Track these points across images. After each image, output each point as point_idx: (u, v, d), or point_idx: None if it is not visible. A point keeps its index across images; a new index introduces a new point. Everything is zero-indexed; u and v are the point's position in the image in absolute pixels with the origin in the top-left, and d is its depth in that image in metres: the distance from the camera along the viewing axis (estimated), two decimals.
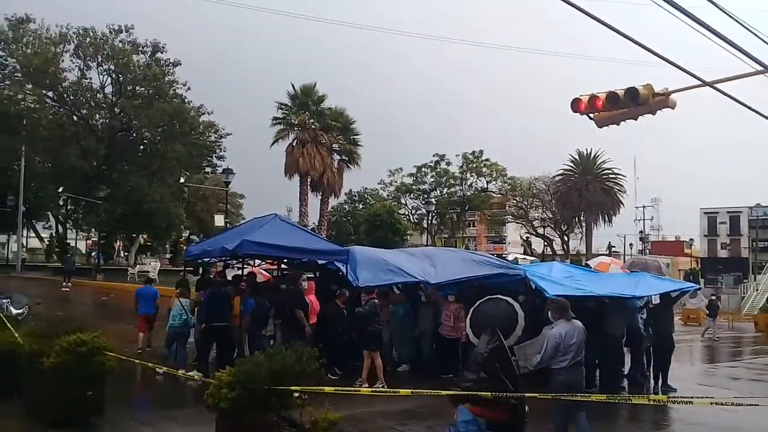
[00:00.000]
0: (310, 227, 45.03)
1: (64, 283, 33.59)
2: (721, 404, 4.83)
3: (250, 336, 11.59)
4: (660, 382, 11.89)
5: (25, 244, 58.67)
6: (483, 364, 5.57)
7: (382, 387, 10.12)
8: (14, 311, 12.65)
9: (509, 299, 11.37)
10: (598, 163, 58.32)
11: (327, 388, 5.65)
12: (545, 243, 64.30)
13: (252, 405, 5.61)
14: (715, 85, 9.04)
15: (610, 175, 58.19)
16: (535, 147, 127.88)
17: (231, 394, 5.67)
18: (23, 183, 40.25)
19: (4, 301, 13.32)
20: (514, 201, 64.06)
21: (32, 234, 62.51)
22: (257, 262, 15.30)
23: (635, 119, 10.40)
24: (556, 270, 12.90)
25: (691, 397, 10.20)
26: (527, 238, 67.29)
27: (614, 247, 66.26)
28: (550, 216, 62.18)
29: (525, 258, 34.71)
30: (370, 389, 6.17)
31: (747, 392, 12.21)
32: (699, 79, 8.79)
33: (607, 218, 57.62)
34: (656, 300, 12.49)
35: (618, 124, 10.67)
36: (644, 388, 12.20)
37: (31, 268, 50.34)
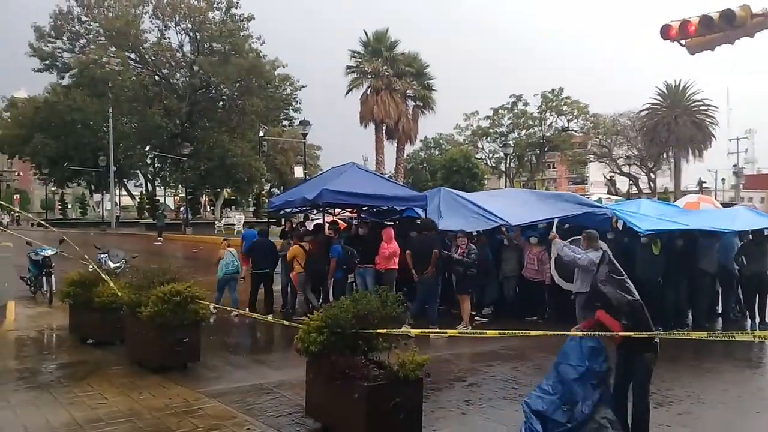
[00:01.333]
0: (386, 175, 45.16)
1: (158, 238, 35.25)
2: None
3: (336, 281, 11.81)
4: (758, 320, 11.33)
5: (118, 202, 61.77)
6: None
7: (467, 329, 10.15)
8: (112, 265, 13.32)
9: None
10: (687, 94, 55.16)
11: (413, 331, 5.67)
12: (630, 182, 61.94)
13: (340, 348, 5.71)
14: None
15: (701, 107, 55.01)
16: (621, 80, 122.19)
17: (320, 338, 5.78)
18: (112, 144, 42.22)
19: (103, 255, 14.05)
20: (597, 139, 61.75)
21: (124, 192, 65.72)
22: (337, 210, 15.43)
23: (732, 43, 9.62)
24: (645, 206, 12.34)
25: None
26: (611, 177, 64.96)
27: (705, 182, 63.10)
28: (636, 153, 59.68)
29: (609, 198, 33.44)
30: (456, 331, 6.14)
31: None
32: None
33: (697, 153, 54.80)
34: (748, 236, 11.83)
35: (713, 50, 9.90)
36: (739, 325, 11.68)
37: (125, 225, 53.19)
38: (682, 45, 9.94)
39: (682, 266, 11.23)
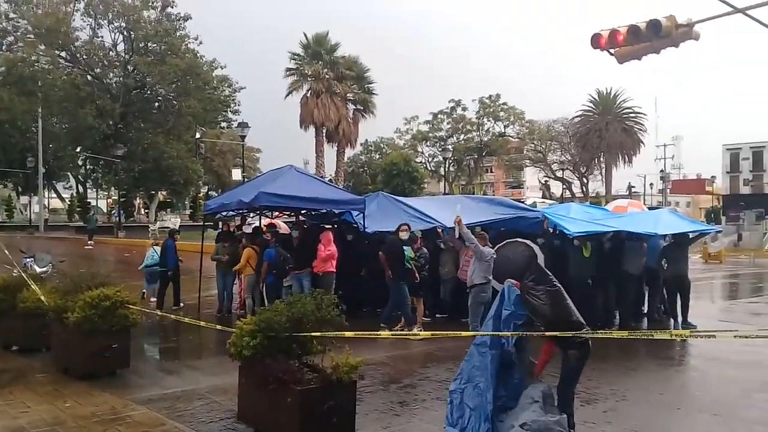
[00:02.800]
0: (327, 178, 45.05)
1: (88, 242, 34.14)
2: (745, 337, 4.77)
3: (267, 285, 11.71)
4: (680, 320, 11.85)
5: (47, 205, 59.51)
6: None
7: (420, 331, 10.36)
8: (38, 269, 12.85)
9: (527, 242, 11.40)
10: (618, 102, 57.24)
11: (347, 334, 5.68)
12: (564, 186, 63.80)
13: (274, 352, 5.67)
14: (748, 12, 8.65)
15: (631, 115, 57.21)
16: (554, 88, 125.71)
17: (253, 341, 5.72)
18: (41, 144, 40.68)
19: (28, 260, 13.53)
20: (532, 144, 63.38)
21: (53, 195, 63.31)
22: (275, 214, 15.30)
23: (657, 53, 10.06)
24: (575, 210, 12.79)
25: (714, 331, 10.23)
26: (546, 181, 66.74)
27: (634, 187, 65.51)
28: (569, 158, 61.51)
29: (543, 201, 34.33)
30: (389, 333, 6.19)
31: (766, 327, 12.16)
32: (731, 5, 8.40)
33: (627, 158, 56.96)
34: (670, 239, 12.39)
35: (640, 59, 10.34)
36: (664, 325, 12.19)
37: (54, 228, 51.21)
38: (611, 54, 10.33)
39: (611, 268, 11.65)
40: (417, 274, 11.15)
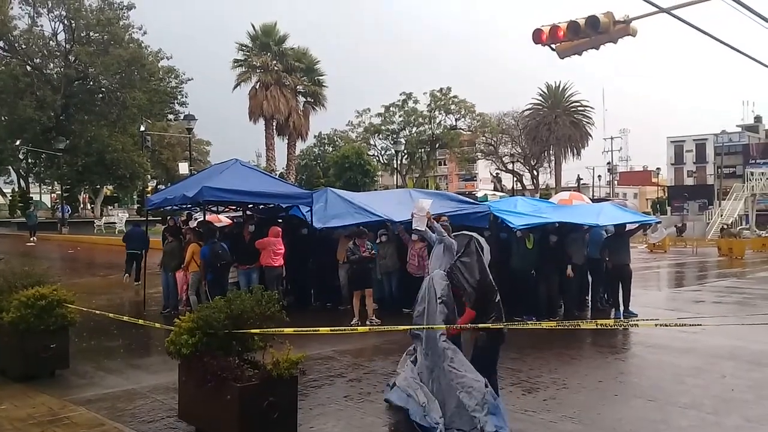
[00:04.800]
0: (278, 172, 44.69)
1: (31, 238, 33.10)
2: (665, 325, 4.95)
3: (209, 283, 11.55)
4: (622, 308, 12.20)
5: None
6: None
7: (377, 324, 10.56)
8: None
9: (474, 234, 11.53)
10: (566, 96, 58.37)
11: (286, 330, 5.66)
12: (515, 178, 64.78)
13: (213, 349, 5.60)
14: (673, 12, 8.93)
15: (579, 108, 58.48)
16: (505, 81, 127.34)
17: (192, 339, 5.65)
18: None
19: None
20: (484, 138, 64.00)
21: None
22: (220, 208, 15.10)
23: (597, 48, 10.27)
24: (521, 204, 13.01)
25: (637, 321, 10.63)
26: (497, 174, 67.65)
27: (583, 179, 67.14)
28: (520, 151, 62.49)
29: (495, 194, 34.89)
30: (329, 329, 6.19)
31: (706, 314, 12.63)
32: (655, 5, 8.67)
33: (575, 151, 58.20)
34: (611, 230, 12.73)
35: (580, 54, 10.54)
36: (606, 314, 12.53)
37: None
38: (552, 49, 10.51)
39: (554, 259, 11.90)
40: None
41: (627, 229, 12.58)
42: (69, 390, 7.43)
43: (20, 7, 45.84)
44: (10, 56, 46.50)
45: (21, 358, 7.73)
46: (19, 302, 7.65)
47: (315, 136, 65.13)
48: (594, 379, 8.05)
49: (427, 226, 7.29)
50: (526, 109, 59.75)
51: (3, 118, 47.48)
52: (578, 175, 66.83)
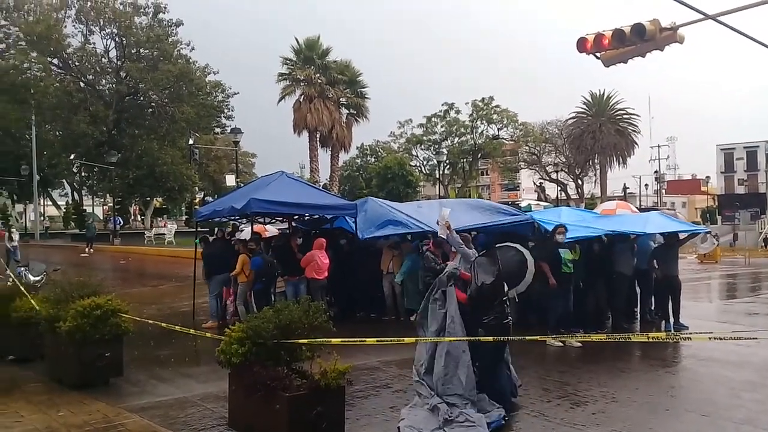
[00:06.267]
0: (321, 183, 45.14)
1: (87, 249, 34.07)
2: (720, 338, 4.84)
3: (256, 293, 11.76)
4: (672, 320, 11.92)
5: (43, 213, 59.38)
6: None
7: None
8: (32, 279, 12.90)
9: (518, 246, 11.42)
10: (611, 104, 57.45)
11: (334, 340, 5.74)
12: (559, 188, 63.89)
13: (262, 359, 5.72)
14: (719, 18, 8.77)
15: (624, 116, 57.44)
16: (548, 91, 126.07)
17: (241, 349, 5.78)
18: (35, 152, 40.64)
19: (22, 269, 13.56)
20: (527, 147, 63.47)
21: (49, 202, 63.15)
22: (267, 220, 15.35)
23: (643, 56, 10.16)
24: (565, 214, 12.86)
25: (689, 333, 10.35)
26: (541, 183, 66.87)
27: (629, 188, 65.76)
28: (564, 160, 61.64)
29: (538, 204, 34.45)
30: (375, 339, 6.26)
31: (761, 327, 12.25)
32: (701, 12, 8.53)
33: (621, 160, 57.13)
34: (660, 240, 12.48)
35: (626, 62, 10.44)
36: (656, 326, 12.26)
37: (50, 236, 51.07)
38: (597, 57, 10.44)
39: (601, 270, 11.72)
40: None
41: (677, 239, 12.32)
42: (123, 398, 7.64)
43: (74, 26, 47.64)
44: (64, 73, 48.25)
45: (77, 367, 7.96)
46: (75, 312, 7.86)
47: (357, 148, 65.59)
48: (645, 392, 7.89)
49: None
50: (570, 118, 58.98)
51: (58, 133, 49.23)
52: (624, 184, 65.48)
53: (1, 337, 9.86)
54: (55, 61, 47.65)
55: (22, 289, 9.86)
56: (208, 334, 7.71)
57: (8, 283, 10.57)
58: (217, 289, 12.78)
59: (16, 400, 7.51)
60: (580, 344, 9.99)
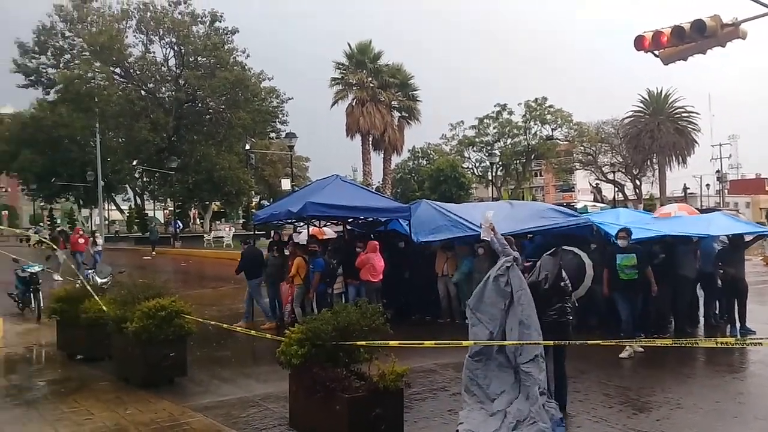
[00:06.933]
0: (374, 186, 45.38)
1: (151, 252, 35.15)
2: None
3: (318, 294, 11.92)
4: (738, 325, 11.51)
5: (107, 217, 61.50)
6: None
7: None
8: (99, 281, 13.39)
9: (575, 249, 11.27)
10: (669, 102, 55.78)
11: (392, 343, 5.78)
12: (616, 188, 62.43)
13: (321, 360, 5.81)
14: None
15: (683, 114, 55.64)
16: (601, 91, 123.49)
17: (301, 350, 5.88)
18: (100, 158, 42.18)
19: (90, 271, 14.11)
20: (582, 147, 62.26)
21: (113, 207, 65.38)
22: (322, 222, 15.54)
23: (704, 53, 9.88)
24: (624, 216, 12.56)
25: (760, 338, 9.94)
26: (597, 184, 65.48)
27: (690, 189, 63.76)
28: (621, 160, 60.18)
29: (595, 205, 33.71)
30: (433, 342, 6.27)
31: None
32: (766, 5, 8.24)
33: (681, 159, 55.36)
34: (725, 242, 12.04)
35: (685, 60, 10.18)
36: (720, 331, 11.87)
37: (114, 239, 52.88)
38: (656, 55, 10.19)
39: (664, 272, 11.39)
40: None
41: (743, 240, 11.89)
42: (187, 397, 7.86)
43: (134, 36, 49.33)
44: (126, 82, 49.96)
45: (143, 366, 8.21)
46: (141, 313, 8.11)
47: (409, 150, 65.71)
48: (711, 399, 7.66)
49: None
50: (627, 117, 57.50)
51: (121, 140, 50.99)
52: (684, 185, 63.51)
53: (71, 338, 10.27)
54: (118, 70, 49.41)
55: (91, 290, 10.22)
56: (268, 336, 7.86)
57: (77, 285, 10.98)
58: (256, 293, 13.13)
59: (86, 398, 7.81)
60: (642, 349, 9.72)
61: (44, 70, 50.54)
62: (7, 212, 79.56)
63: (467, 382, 6.39)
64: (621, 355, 9.57)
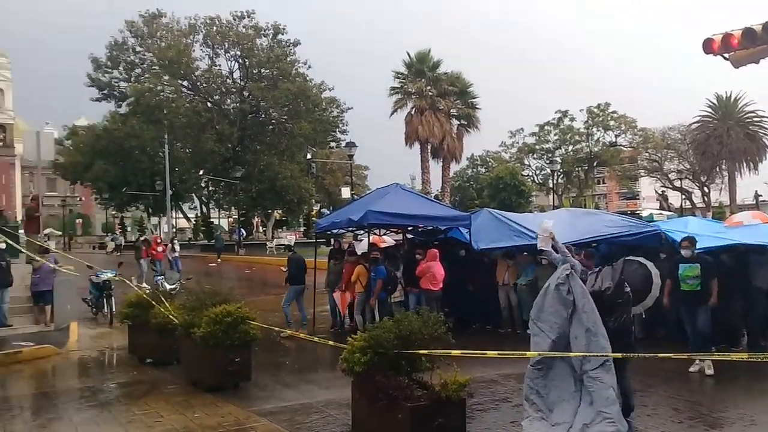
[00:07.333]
0: (433, 194, 45.33)
1: (217, 259, 36.08)
2: None
3: (380, 302, 12.00)
4: None
5: (174, 225, 63.46)
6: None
7: None
8: (168, 287, 13.86)
9: (641, 259, 10.95)
10: (739, 106, 53.63)
11: (454, 352, 5.78)
12: (683, 196, 60.31)
13: (384, 368, 5.86)
14: None
15: (755, 119, 53.36)
16: (667, 95, 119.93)
17: (363, 358, 5.94)
18: (168, 168, 43.68)
19: (159, 278, 14.62)
20: (647, 153, 60.48)
21: (180, 215, 67.44)
22: (382, 231, 15.63)
23: None
24: (693, 224, 12.14)
25: None
26: (663, 192, 63.42)
27: (762, 195, 60.90)
28: (688, 167, 58.12)
29: (661, 213, 32.77)
30: (496, 352, 6.23)
31: None
32: None
33: (752, 165, 53.05)
34: None
35: (757, 63, 9.77)
36: None
37: (187, 246, 54.50)
38: (725, 59, 9.83)
39: (735, 283, 10.96)
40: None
41: None
42: (252, 401, 8.03)
43: (201, 50, 50.98)
44: (193, 94, 51.65)
45: (210, 371, 8.44)
46: (209, 319, 8.31)
47: (468, 158, 65.36)
48: None
49: (551, 247, 7.18)
50: (694, 122, 55.52)
51: (188, 151, 52.68)
52: (756, 192, 60.68)
53: (141, 342, 10.67)
54: (185, 83, 51.13)
55: (160, 297, 10.59)
56: (331, 342, 7.96)
57: (146, 292, 11.40)
58: (293, 298, 13.24)
59: (156, 400, 8.09)
60: (711, 370, 9.25)
61: (116, 84, 52.81)
62: (81, 220, 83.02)
63: (528, 392, 6.33)
64: (690, 369, 9.24)
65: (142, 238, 23.91)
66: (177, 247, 25.96)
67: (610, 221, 12.54)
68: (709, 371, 9.00)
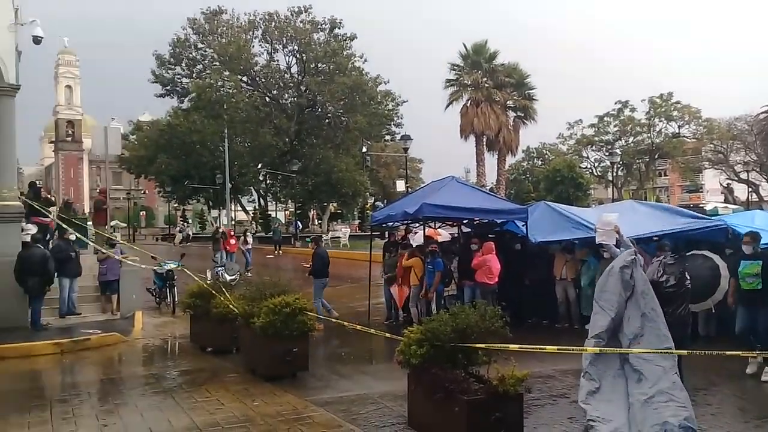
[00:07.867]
0: (488, 187, 44.90)
1: (275, 251, 36.73)
2: None
3: (437, 294, 12.00)
4: None
5: (234, 217, 64.83)
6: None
7: None
8: (228, 278, 14.22)
9: (707, 252, 10.61)
10: None
11: (512, 346, 5.73)
12: (750, 189, 57.91)
13: (440, 361, 5.86)
14: None
15: None
16: (735, 84, 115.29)
17: (420, 350, 5.95)
18: (228, 162, 44.59)
19: (220, 269, 14.99)
20: (712, 145, 58.29)
21: (239, 208, 68.82)
22: (437, 224, 15.59)
23: None
24: (760, 218, 11.62)
25: None
26: (728, 184, 61.04)
27: None
28: (755, 159, 55.73)
29: (726, 207, 31.51)
30: (555, 347, 6.15)
31: None
32: None
33: None
34: None
35: None
36: None
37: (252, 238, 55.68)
38: None
39: None
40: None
41: None
42: (309, 391, 8.16)
43: (260, 45, 51.84)
44: (252, 89, 52.58)
45: (268, 360, 8.60)
46: (268, 309, 8.48)
47: (523, 151, 64.37)
48: None
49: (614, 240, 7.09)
50: (762, 112, 53.20)
51: (247, 145, 53.67)
52: None
53: (202, 331, 10.98)
54: (245, 78, 52.10)
55: (222, 287, 10.87)
56: (387, 335, 8.00)
57: (207, 281, 11.70)
58: (319, 293, 13.24)
59: (217, 388, 8.31)
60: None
61: (179, 80, 54.23)
62: (144, 213, 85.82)
63: (587, 367, 6.28)
64: (747, 371, 8.81)
65: (221, 231, 24.52)
66: (250, 239, 26.58)
67: (674, 215, 12.13)
68: (765, 377, 8.42)
